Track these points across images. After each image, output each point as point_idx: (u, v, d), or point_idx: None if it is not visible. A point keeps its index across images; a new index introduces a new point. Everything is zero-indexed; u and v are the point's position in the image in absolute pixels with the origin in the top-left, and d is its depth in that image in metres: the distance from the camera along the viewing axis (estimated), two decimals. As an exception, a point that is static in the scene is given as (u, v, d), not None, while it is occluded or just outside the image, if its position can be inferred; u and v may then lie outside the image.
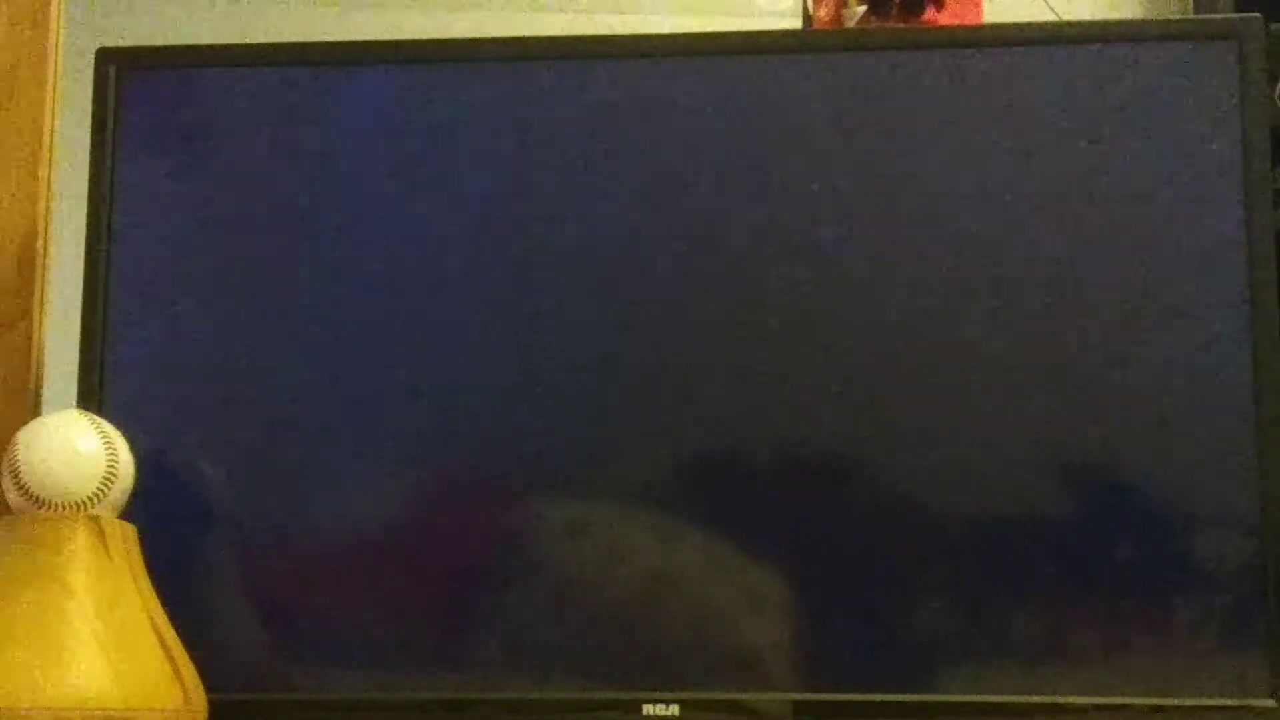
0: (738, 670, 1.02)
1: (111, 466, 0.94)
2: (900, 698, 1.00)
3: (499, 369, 1.05)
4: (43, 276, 1.11)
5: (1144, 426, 1.02)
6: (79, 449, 0.93)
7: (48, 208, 1.12)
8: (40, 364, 1.10)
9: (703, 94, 1.07)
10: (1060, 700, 1.00)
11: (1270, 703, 0.99)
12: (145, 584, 0.94)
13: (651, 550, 1.03)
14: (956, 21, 1.12)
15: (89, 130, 1.09)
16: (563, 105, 1.08)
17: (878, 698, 1.00)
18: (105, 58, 1.10)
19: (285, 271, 1.08)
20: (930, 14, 1.12)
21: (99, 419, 0.96)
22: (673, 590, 1.03)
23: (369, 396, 1.06)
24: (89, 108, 1.10)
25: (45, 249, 1.11)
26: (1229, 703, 0.99)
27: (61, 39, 1.13)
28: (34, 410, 1.09)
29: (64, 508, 0.92)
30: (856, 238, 1.05)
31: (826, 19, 1.16)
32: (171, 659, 0.92)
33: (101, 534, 0.92)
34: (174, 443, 1.07)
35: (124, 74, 1.10)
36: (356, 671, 1.03)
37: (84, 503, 0.92)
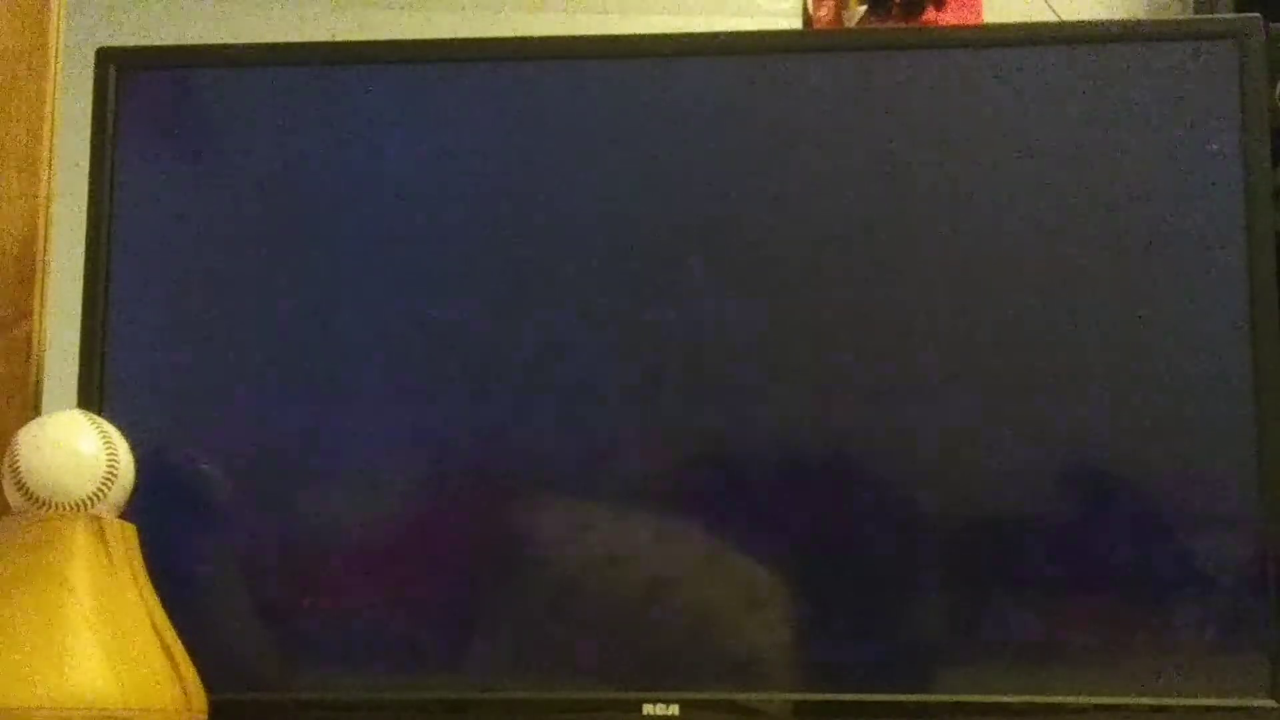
0: (738, 670, 1.02)
1: (111, 466, 0.94)
2: (900, 698, 1.00)
3: (499, 369, 1.05)
4: (43, 276, 1.11)
5: (1144, 426, 1.02)
6: (79, 449, 0.93)
7: (48, 208, 1.12)
8: (40, 364, 1.10)
9: (703, 94, 1.07)
10: (1060, 700, 1.00)
11: (1270, 703, 0.99)
12: (145, 584, 0.94)
13: (651, 550, 1.03)
14: (956, 21, 1.12)
15: (89, 130, 1.09)
16: (562, 105, 1.08)
17: (878, 698, 1.00)
18: (105, 58, 1.10)
19: (285, 271, 1.08)
20: (930, 14, 1.12)
21: (99, 419, 0.96)
22: (673, 590, 1.03)
23: (369, 396, 1.06)
24: (89, 108, 1.10)
25: (45, 249, 1.11)
26: (1229, 703, 0.99)
27: (61, 39, 1.13)
28: (34, 410, 1.08)
29: (64, 508, 0.92)
30: (856, 237, 1.05)
31: (826, 19, 1.17)
32: (171, 659, 0.92)
33: (101, 534, 0.92)
34: (174, 443, 1.07)
35: (124, 74, 1.10)
36: (356, 671, 1.03)
37: (84, 503, 0.92)
